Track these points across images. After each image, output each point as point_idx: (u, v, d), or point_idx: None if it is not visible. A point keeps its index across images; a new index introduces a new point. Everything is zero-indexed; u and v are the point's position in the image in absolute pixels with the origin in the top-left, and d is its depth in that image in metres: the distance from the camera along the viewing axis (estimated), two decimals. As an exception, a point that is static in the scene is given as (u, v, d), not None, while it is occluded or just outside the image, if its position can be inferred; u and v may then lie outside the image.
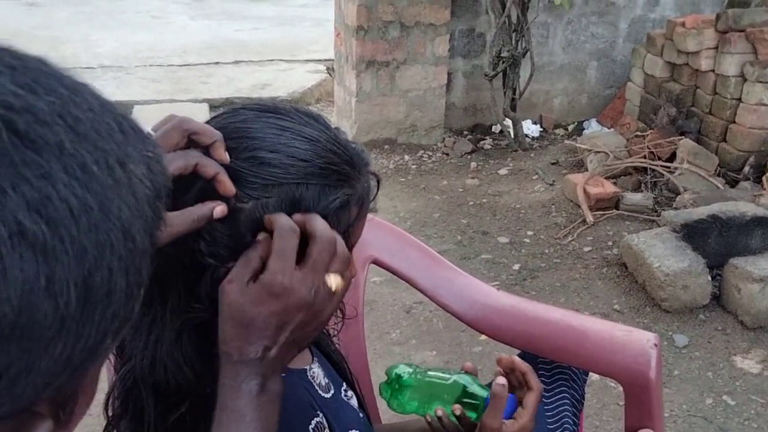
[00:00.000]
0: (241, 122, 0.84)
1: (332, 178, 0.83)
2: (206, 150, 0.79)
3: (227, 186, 0.78)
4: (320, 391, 0.97)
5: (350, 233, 0.86)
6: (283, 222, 0.78)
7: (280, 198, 0.80)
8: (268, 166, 0.81)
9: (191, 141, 0.80)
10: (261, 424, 0.78)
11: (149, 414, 0.86)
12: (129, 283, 0.43)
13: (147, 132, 0.49)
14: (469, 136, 5.31)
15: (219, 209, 0.78)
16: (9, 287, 0.36)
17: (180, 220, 0.76)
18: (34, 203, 0.37)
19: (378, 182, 0.92)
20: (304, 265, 0.78)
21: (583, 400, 1.44)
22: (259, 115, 0.85)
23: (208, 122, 0.86)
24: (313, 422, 0.90)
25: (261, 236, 0.79)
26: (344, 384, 1.05)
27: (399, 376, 1.11)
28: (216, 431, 0.78)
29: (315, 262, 0.78)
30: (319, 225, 0.79)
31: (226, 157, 0.79)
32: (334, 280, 0.79)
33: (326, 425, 0.92)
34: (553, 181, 4.49)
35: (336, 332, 1.11)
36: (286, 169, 0.81)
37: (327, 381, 1.01)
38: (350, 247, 0.87)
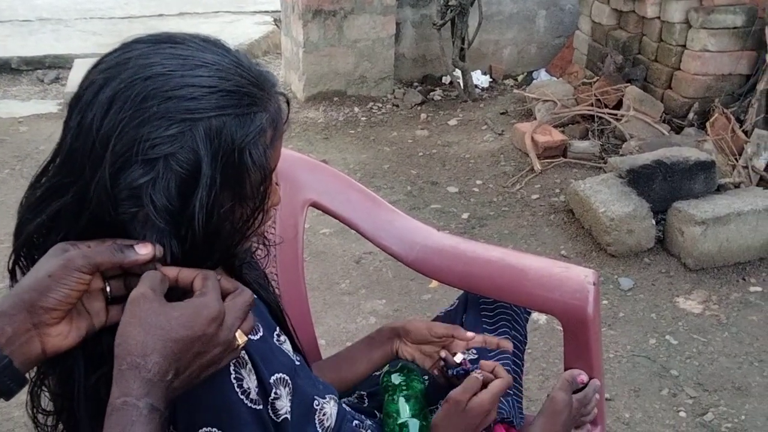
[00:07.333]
0: (137, 57, 0.79)
1: (244, 102, 0.81)
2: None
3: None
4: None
5: (268, 157, 0.84)
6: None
7: (197, 137, 0.78)
8: (181, 101, 0.77)
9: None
10: None
11: (79, 372, 0.83)
12: None
13: None
14: (419, 88, 5.27)
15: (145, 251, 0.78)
16: None
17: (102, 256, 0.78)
18: None
19: (288, 103, 0.90)
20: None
21: (526, 340, 1.45)
22: (154, 47, 0.81)
23: (102, 59, 0.82)
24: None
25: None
26: (277, 328, 1.03)
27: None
28: None
29: (237, 309, 0.80)
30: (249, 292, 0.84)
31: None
32: (240, 336, 0.81)
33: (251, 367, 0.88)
34: (502, 130, 4.49)
35: (264, 264, 1.09)
36: (197, 101, 0.78)
37: (257, 324, 0.98)
38: (270, 171, 0.85)
